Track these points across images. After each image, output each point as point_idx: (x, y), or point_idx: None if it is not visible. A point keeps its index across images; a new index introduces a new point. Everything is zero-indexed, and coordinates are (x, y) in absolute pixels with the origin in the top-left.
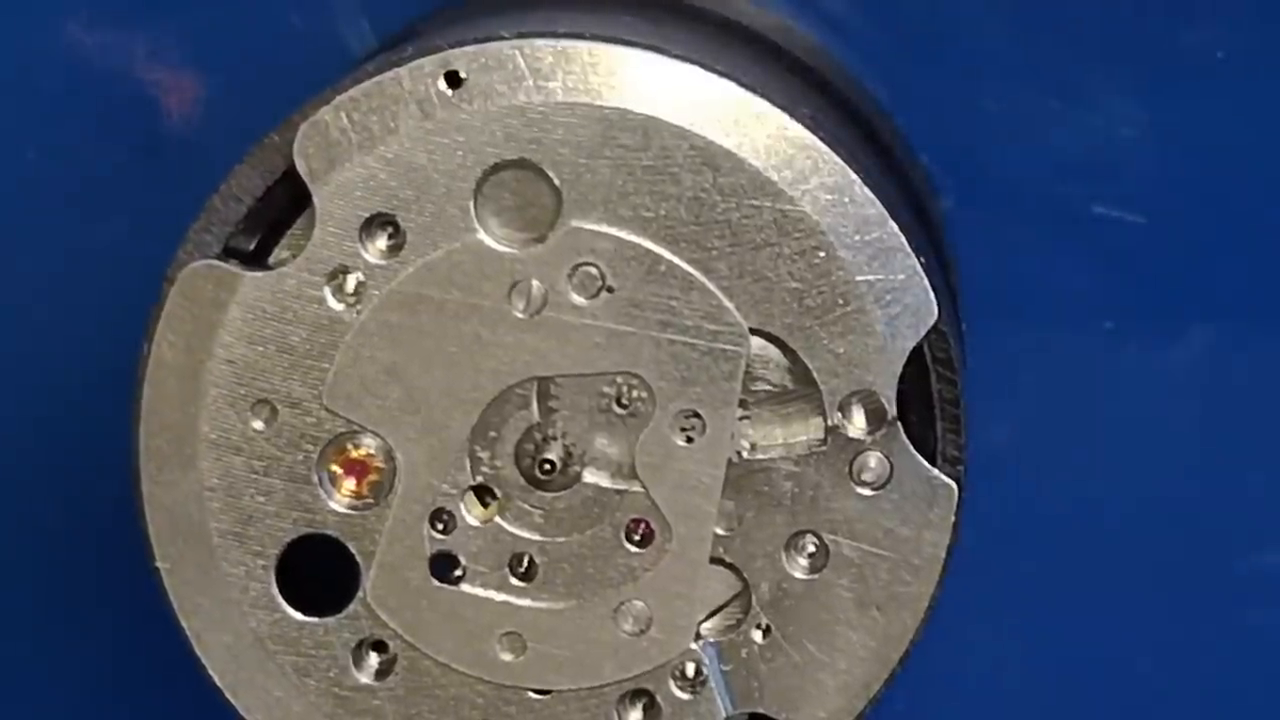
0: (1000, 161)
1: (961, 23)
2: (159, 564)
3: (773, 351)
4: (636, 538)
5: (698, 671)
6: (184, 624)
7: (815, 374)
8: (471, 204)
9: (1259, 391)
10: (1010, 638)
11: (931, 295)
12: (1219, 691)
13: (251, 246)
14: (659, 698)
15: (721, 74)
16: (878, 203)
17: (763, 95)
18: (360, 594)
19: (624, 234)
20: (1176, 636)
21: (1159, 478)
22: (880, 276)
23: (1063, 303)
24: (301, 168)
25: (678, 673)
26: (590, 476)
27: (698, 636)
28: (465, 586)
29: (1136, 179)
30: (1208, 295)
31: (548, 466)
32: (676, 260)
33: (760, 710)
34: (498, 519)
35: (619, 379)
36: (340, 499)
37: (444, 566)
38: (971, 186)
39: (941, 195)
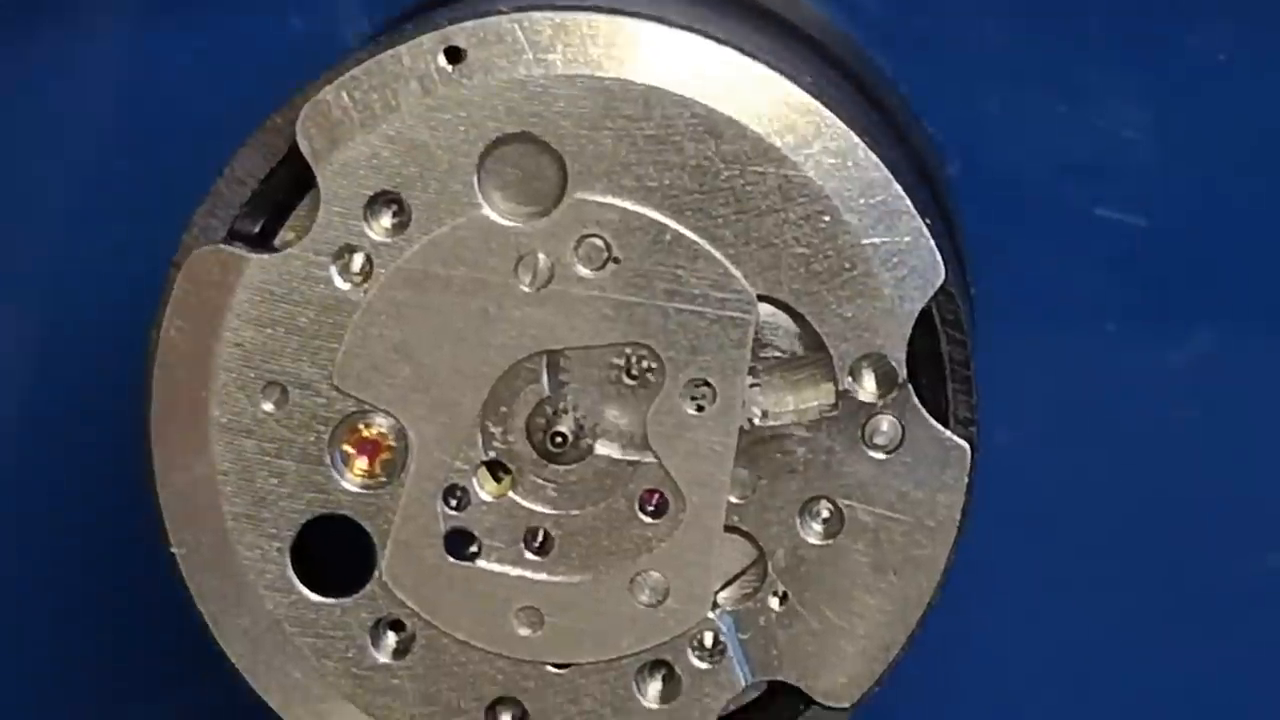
0: (1003, 163)
1: (964, 24)
2: (174, 549)
3: (781, 318)
4: (650, 508)
5: (715, 641)
6: (201, 608)
7: (825, 339)
8: (475, 179)
9: (1261, 392)
10: (1013, 639)
11: (938, 257)
12: (1221, 692)
13: (257, 229)
14: (678, 668)
15: (721, 41)
16: (882, 166)
17: (763, 61)
18: (376, 573)
19: (629, 204)
20: (1178, 637)
21: (1161, 479)
22: (886, 239)
23: (1065, 304)
24: (304, 148)
25: (696, 643)
26: (602, 448)
27: (714, 606)
28: (481, 562)
29: (1139, 181)
30: (1210, 297)
31: (559, 440)
32: (682, 229)
33: (779, 678)
34: (511, 494)
35: (628, 350)
36: (353, 479)
37: (459, 543)
38: (974, 188)
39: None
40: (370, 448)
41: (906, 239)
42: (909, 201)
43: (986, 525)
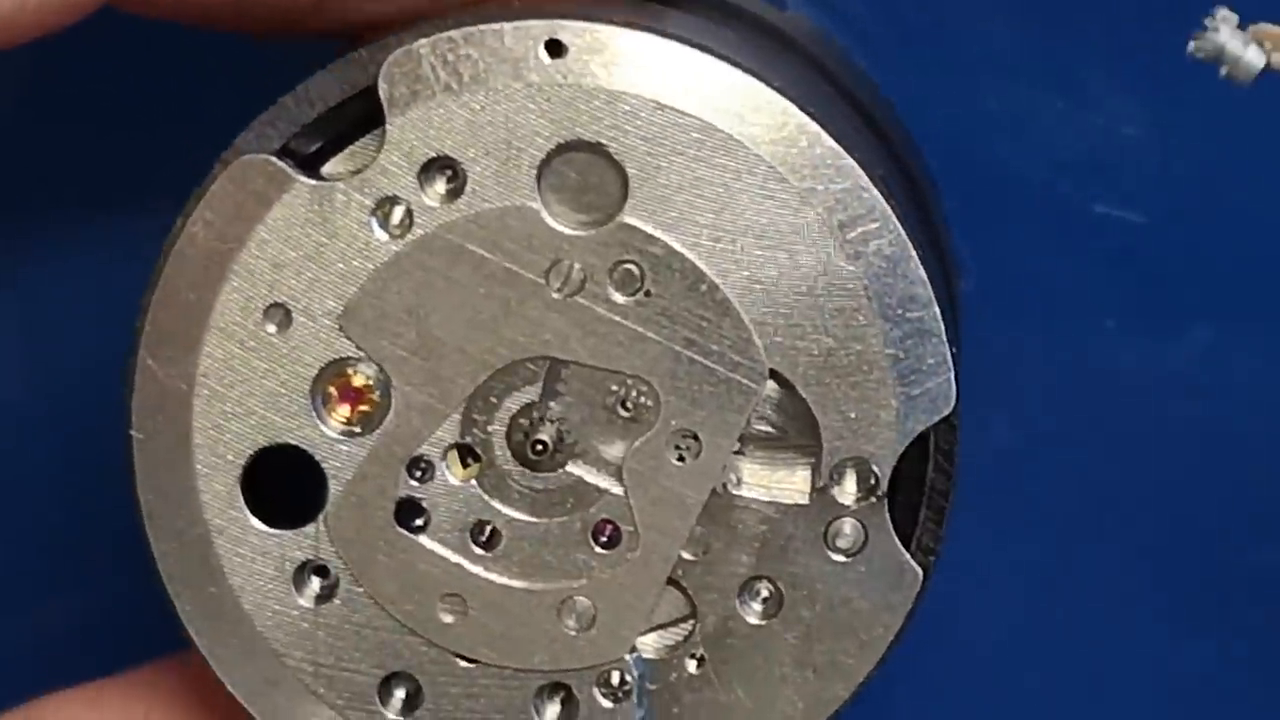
0: (1001, 160)
1: (963, 21)
2: (133, 432)
3: (782, 396)
4: (603, 539)
5: (623, 681)
6: (141, 497)
7: (821, 430)
8: (537, 173)
9: (1259, 390)
10: (1010, 636)
11: (954, 389)
12: (1220, 691)
13: (310, 151)
14: (579, 697)
15: (815, 118)
16: (928, 284)
17: (844, 146)
18: (321, 517)
19: (676, 244)
20: (1175, 633)
21: (1159, 475)
22: (911, 356)
23: (1064, 301)
24: (384, 92)
25: (603, 679)
26: (575, 468)
27: (632, 649)
28: (424, 539)
29: (1138, 178)
30: (1208, 294)
31: (539, 447)
32: (720, 284)
33: None
34: (474, 483)
35: (630, 382)
36: (329, 420)
37: (408, 513)
38: (972, 185)
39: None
40: (353, 396)
41: (930, 361)
42: (943, 327)
43: (986, 522)
